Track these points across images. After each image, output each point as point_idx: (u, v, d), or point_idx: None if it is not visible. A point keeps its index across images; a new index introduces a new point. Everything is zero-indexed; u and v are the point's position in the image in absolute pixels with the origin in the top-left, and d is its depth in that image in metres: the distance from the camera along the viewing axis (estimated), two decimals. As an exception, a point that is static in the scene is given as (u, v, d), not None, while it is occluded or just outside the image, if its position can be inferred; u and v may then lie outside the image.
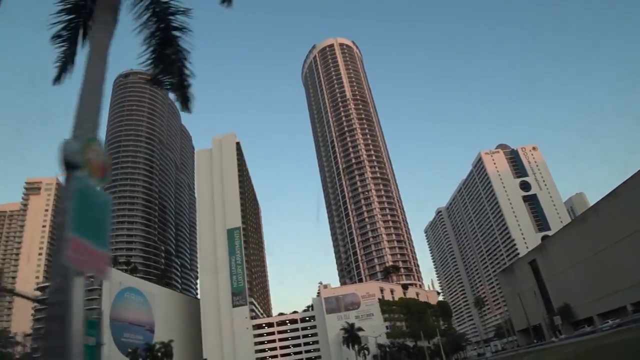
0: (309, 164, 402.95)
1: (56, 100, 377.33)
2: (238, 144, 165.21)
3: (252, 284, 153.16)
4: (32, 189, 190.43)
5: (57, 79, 10.32)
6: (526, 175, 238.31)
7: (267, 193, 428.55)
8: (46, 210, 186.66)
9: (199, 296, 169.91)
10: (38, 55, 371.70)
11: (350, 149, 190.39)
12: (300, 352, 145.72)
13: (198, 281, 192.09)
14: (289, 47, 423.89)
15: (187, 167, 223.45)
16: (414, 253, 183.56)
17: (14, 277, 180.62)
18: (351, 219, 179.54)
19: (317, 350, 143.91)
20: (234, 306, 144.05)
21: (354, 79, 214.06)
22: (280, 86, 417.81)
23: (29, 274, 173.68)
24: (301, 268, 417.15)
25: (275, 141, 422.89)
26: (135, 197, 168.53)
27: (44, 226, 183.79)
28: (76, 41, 10.26)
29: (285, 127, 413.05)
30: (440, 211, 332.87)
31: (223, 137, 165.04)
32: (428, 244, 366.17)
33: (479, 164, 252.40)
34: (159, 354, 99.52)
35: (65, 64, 10.25)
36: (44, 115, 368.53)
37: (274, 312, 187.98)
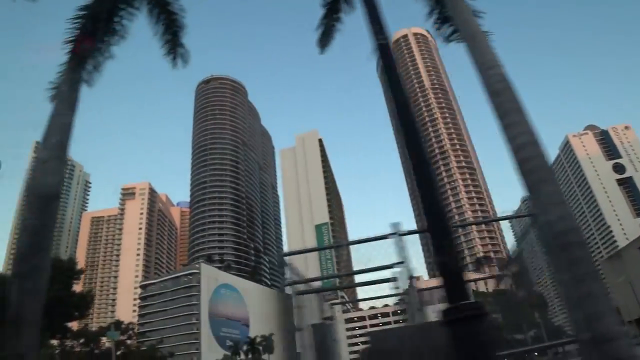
0: (389, 156, 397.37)
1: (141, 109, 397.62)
2: (320, 140, 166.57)
3: (341, 278, 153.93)
4: (127, 194, 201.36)
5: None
6: (619, 156, 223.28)
7: (347, 186, 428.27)
8: (141, 214, 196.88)
9: (287, 291, 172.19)
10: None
11: (433, 139, 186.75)
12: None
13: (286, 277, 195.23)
14: (362, 41, 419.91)
15: (269, 167, 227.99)
16: (505, 243, 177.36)
17: (115, 277, 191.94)
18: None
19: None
20: (325, 301, 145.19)
21: (431, 68, 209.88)
22: (355, 79, 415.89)
23: (129, 272, 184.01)
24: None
25: (353, 136, 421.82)
26: (224, 197, 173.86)
27: (140, 228, 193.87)
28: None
29: (362, 121, 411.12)
30: (526, 200, 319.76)
31: (306, 134, 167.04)
32: (514, 234, 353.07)
33: (566, 148, 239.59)
34: (260, 348, 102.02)
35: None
36: (133, 126, 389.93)
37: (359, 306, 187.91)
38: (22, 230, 8.17)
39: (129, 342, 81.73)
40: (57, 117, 9.17)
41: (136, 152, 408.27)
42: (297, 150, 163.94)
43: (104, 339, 66.86)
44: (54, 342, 56.01)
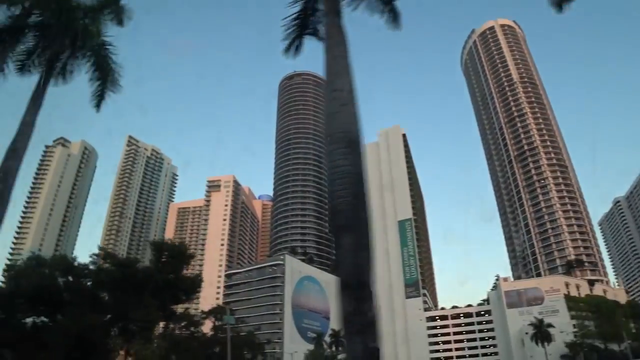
0: (471, 152, 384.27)
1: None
2: (404, 135, 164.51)
3: (424, 275, 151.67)
4: (213, 186, 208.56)
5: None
6: None
7: (428, 183, 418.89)
8: (225, 205, 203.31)
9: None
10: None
11: (522, 135, 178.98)
12: (476, 347, 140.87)
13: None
14: (444, 34, 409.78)
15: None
16: (598, 246, 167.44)
17: (200, 265, 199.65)
18: (526, 209, 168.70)
19: (494, 346, 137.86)
20: (407, 297, 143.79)
21: (519, 61, 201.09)
22: (438, 75, 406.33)
23: (213, 262, 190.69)
24: (461, 259, 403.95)
25: (434, 131, 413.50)
26: (307, 191, 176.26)
27: (224, 219, 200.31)
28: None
29: (443, 116, 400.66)
30: (619, 201, 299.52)
31: (389, 129, 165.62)
32: (603, 238, 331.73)
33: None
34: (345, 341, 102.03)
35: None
36: (219, 122, 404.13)
37: (438, 304, 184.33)
38: (339, 178, 8.19)
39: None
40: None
41: (221, 147, 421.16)
42: (380, 145, 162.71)
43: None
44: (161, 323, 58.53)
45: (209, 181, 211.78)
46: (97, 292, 45.15)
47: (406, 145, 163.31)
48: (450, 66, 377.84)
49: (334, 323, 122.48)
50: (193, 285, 53.32)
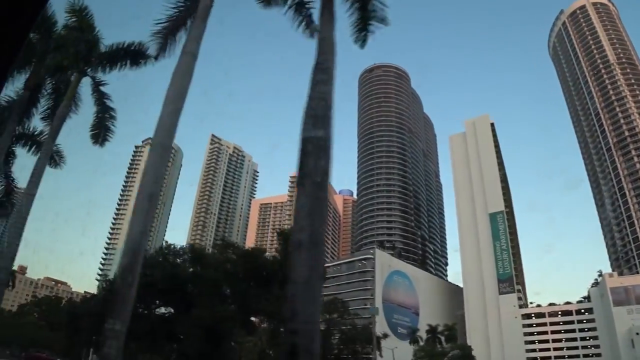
0: (561, 140, 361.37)
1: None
2: (492, 125, 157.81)
3: (517, 270, 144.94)
4: (295, 182, 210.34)
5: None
6: None
7: (513, 174, 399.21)
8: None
9: (448, 279, 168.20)
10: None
11: (622, 120, 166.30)
12: (576, 348, 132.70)
13: (448, 267, 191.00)
14: (530, 17, 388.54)
15: (432, 154, 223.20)
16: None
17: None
18: (629, 200, 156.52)
19: (597, 347, 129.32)
20: (500, 293, 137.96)
21: (615, 41, 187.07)
22: (522, 61, 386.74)
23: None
24: (542, 253, 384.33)
25: (520, 119, 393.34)
26: (391, 185, 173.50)
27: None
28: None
29: (529, 103, 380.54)
30: None
31: (476, 119, 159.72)
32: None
33: None
34: (442, 337, 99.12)
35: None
36: (296, 117, 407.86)
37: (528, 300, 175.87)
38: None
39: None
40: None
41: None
42: (467, 136, 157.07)
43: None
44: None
45: (291, 177, 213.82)
46: (221, 283, 45.03)
47: (495, 135, 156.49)
48: (536, 51, 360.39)
49: (427, 319, 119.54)
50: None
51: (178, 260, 46.54)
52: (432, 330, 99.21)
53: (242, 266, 44.36)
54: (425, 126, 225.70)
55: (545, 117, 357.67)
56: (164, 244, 51.58)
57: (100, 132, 20.96)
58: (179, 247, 50.52)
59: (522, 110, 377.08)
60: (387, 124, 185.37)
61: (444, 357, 77.13)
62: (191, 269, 45.28)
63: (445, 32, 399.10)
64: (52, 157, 21.30)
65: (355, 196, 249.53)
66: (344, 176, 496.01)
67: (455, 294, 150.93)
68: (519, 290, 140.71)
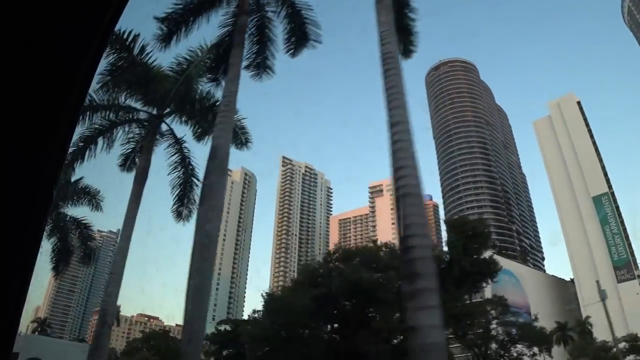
0: None
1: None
2: (579, 103, 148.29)
3: (632, 255, 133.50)
4: (375, 192, 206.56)
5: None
6: None
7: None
8: (392, 209, 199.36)
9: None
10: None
11: None
12: None
13: (545, 262, 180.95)
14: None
15: (511, 146, 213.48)
16: None
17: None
18: None
19: None
20: (618, 282, 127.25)
21: None
22: (593, 32, 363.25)
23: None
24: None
25: (598, 95, 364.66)
26: (478, 180, 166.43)
27: (392, 223, 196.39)
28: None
29: (607, 77, 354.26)
30: None
31: (560, 99, 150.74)
32: None
33: None
34: (574, 334, 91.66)
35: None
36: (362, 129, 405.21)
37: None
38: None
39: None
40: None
41: (366, 152, 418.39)
42: (553, 118, 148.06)
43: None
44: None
45: (370, 187, 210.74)
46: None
47: (584, 113, 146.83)
48: (605, 20, 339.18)
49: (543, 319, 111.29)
50: (490, 269, 48.07)
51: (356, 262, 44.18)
52: (561, 328, 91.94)
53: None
54: (499, 117, 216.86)
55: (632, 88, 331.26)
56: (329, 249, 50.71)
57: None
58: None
59: (601, 85, 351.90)
60: (463, 119, 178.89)
61: (604, 352, 69.91)
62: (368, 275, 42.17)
63: (496, 13, 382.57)
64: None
65: (434, 200, 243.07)
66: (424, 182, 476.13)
67: (562, 288, 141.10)
68: (639, 276, 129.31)
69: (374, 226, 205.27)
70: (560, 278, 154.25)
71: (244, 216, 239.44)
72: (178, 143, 21.26)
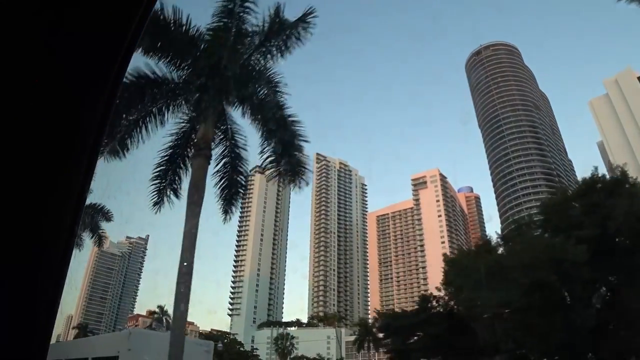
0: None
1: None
2: (639, 78, 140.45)
3: None
4: (419, 184, 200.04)
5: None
6: None
7: None
8: (437, 201, 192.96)
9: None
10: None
11: None
12: None
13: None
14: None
15: (557, 131, 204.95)
16: None
17: (423, 268, 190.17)
18: None
19: None
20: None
21: None
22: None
23: (437, 261, 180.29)
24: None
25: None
26: (532, 166, 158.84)
27: (439, 216, 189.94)
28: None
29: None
30: None
31: (618, 75, 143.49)
32: None
33: None
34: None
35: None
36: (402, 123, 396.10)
37: None
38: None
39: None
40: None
41: (401, 145, 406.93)
42: (611, 96, 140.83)
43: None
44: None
45: (413, 179, 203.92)
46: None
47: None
48: None
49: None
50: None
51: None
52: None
53: None
54: (544, 102, 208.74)
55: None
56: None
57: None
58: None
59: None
60: (511, 104, 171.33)
61: None
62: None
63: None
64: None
65: (475, 192, 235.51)
66: (460, 173, 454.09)
67: None
68: None
69: (419, 219, 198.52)
70: None
71: (280, 215, 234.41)
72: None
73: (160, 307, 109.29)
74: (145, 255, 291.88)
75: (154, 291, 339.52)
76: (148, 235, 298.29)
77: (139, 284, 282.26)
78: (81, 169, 1.30)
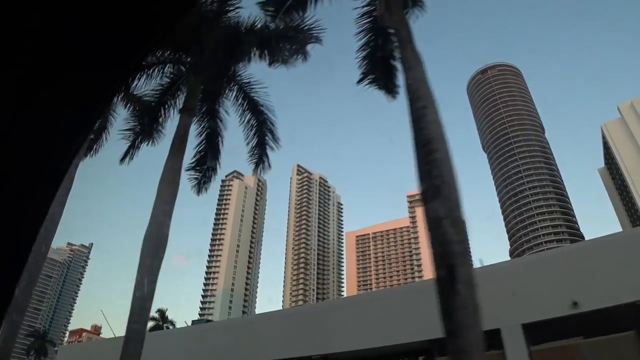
0: None
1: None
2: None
3: None
4: (415, 201, 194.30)
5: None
6: None
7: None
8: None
9: None
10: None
11: None
12: None
13: None
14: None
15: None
16: None
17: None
18: None
19: None
20: None
21: None
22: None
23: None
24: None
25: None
26: (544, 185, 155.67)
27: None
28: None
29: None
30: None
31: (634, 99, 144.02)
32: None
33: None
34: None
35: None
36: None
37: None
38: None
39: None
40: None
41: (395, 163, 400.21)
42: (627, 119, 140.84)
43: None
44: None
45: (409, 196, 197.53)
46: None
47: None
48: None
49: None
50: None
51: None
52: None
53: None
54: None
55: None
56: None
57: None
58: None
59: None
60: (519, 123, 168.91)
61: None
62: None
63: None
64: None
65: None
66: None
67: None
68: None
69: (415, 238, 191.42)
70: None
71: (257, 227, 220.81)
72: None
73: (161, 312, 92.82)
74: (86, 265, 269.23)
75: (91, 307, 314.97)
76: (92, 244, 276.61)
77: (77, 296, 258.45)
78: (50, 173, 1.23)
